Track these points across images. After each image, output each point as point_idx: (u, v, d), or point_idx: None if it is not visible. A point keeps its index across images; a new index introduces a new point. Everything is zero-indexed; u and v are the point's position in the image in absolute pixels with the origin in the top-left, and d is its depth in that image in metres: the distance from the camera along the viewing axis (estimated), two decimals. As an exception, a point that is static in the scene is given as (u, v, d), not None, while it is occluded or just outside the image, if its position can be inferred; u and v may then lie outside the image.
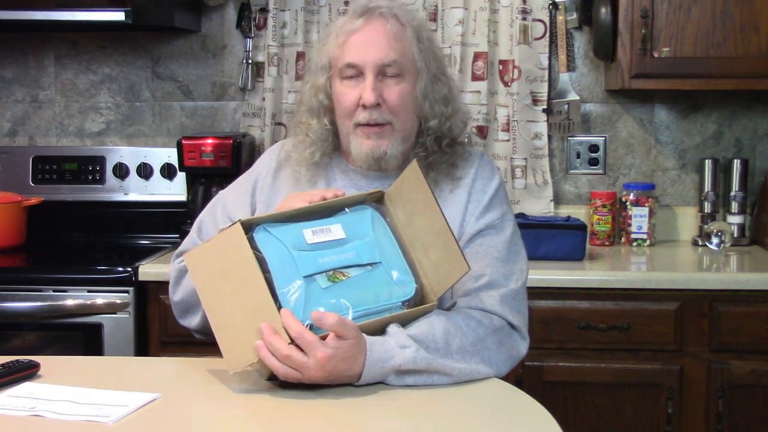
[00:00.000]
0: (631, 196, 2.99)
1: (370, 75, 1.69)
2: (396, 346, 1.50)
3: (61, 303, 2.56)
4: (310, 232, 1.52)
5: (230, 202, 1.83)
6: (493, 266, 1.70)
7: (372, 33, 1.71)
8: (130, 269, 2.59)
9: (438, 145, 1.77)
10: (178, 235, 2.91)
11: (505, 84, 3.04)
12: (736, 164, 3.01)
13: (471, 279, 1.68)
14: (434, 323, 1.56)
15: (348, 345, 1.44)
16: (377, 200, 1.65)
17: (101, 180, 3.12)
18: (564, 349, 2.56)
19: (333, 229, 1.55)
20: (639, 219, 2.97)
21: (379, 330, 1.52)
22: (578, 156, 3.14)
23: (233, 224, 1.48)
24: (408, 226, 1.61)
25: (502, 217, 1.77)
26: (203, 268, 1.49)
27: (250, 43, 3.12)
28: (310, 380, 1.44)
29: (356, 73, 1.71)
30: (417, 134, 1.78)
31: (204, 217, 1.86)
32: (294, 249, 1.49)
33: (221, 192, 1.90)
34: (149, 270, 2.60)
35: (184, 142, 2.91)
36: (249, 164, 1.97)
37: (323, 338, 1.43)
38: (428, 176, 1.73)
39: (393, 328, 1.53)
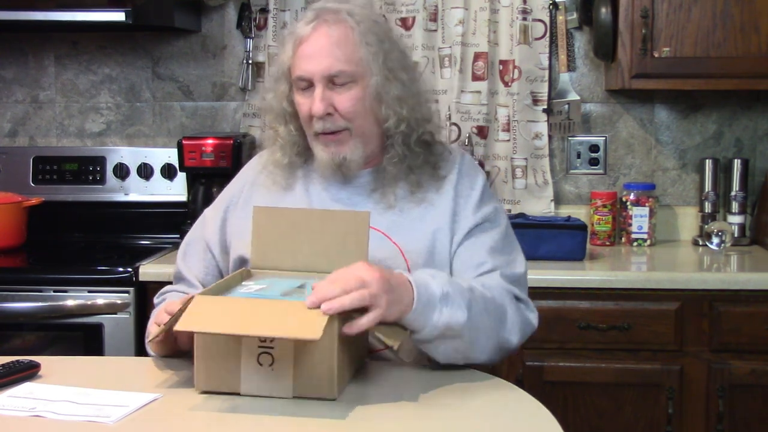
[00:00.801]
0: (632, 196, 2.99)
1: (319, 86, 1.69)
2: (427, 276, 1.54)
3: (61, 303, 2.56)
4: (244, 290, 1.54)
5: (208, 226, 1.85)
6: (493, 255, 1.72)
7: (317, 43, 1.69)
8: (130, 269, 2.59)
9: (407, 147, 1.75)
10: (178, 236, 2.91)
11: (506, 84, 3.04)
12: (737, 164, 3.01)
13: (471, 268, 1.70)
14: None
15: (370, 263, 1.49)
16: (248, 276, 1.64)
17: (101, 180, 3.12)
18: (564, 349, 2.56)
19: (253, 286, 1.56)
20: (639, 219, 2.97)
21: None
22: (578, 156, 3.14)
23: (190, 299, 1.45)
24: (299, 258, 1.61)
25: (495, 210, 1.78)
26: (201, 323, 1.44)
27: (250, 43, 3.12)
28: (378, 289, 1.42)
29: (308, 84, 1.71)
30: (385, 136, 1.76)
31: (189, 237, 1.89)
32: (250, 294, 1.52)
33: (205, 210, 1.91)
34: (150, 270, 2.60)
35: (184, 142, 2.91)
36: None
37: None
38: (409, 178, 1.74)
39: (413, 271, 1.58)
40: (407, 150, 1.75)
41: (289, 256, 1.61)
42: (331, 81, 1.69)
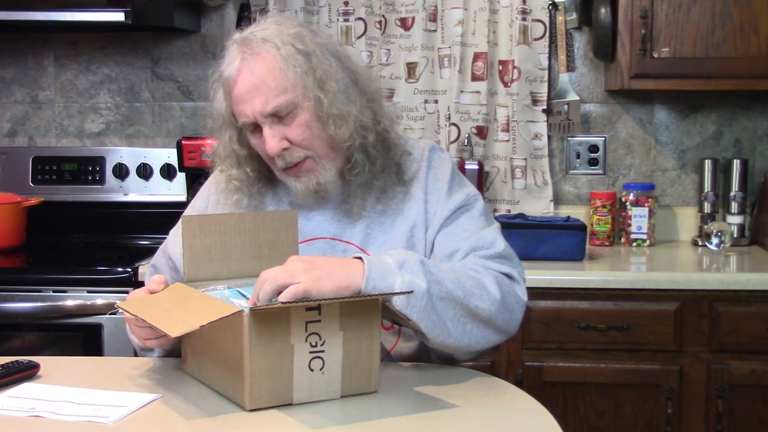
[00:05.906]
0: (631, 197, 2.99)
1: (265, 125, 1.62)
2: (385, 256, 1.50)
3: (61, 303, 2.56)
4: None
5: (174, 245, 1.82)
6: (466, 241, 1.66)
7: (245, 84, 1.61)
8: (129, 270, 2.59)
9: (366, 154, 1.69)
10: (177, 236, 2.92)
11: (505, 84, 3.05)
12: (736, 164, 3.02)
13: (445, 258, 1.65)
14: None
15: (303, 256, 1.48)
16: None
17: (101, 180, 3.12)
18: (564, 350, 2.56)
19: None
20: (639, 219, 2.97)
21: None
22: (578, 156, 3.14)
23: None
24: (233, 266, 1.61)
25: (467, 196, 1.73)
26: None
27: (249, 43, 3.11)
28: (295, 267, 1.41)
29: (255, 126, 1.65)
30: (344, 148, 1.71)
31: (155, 260, 1.88)
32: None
33: (170, 232, 1.89)
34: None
35: (183, 142, 2.91)
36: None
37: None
38: (373, 185, 1.70)
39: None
40: (366, 157, 1.69)
41: (222, 265, 1.60)
42: (275, 115, 1.62)
